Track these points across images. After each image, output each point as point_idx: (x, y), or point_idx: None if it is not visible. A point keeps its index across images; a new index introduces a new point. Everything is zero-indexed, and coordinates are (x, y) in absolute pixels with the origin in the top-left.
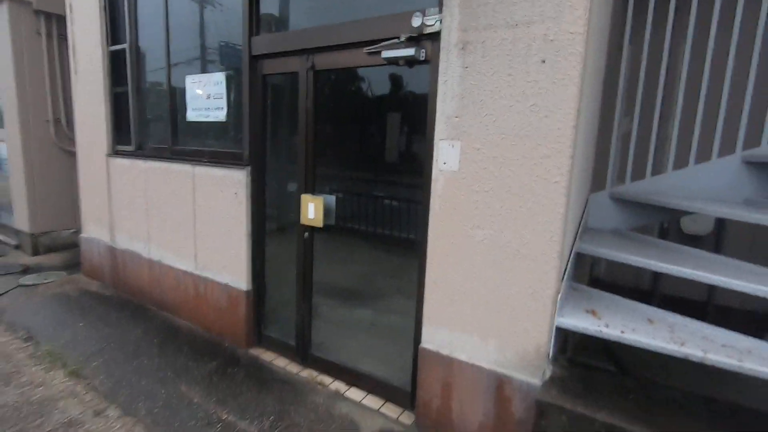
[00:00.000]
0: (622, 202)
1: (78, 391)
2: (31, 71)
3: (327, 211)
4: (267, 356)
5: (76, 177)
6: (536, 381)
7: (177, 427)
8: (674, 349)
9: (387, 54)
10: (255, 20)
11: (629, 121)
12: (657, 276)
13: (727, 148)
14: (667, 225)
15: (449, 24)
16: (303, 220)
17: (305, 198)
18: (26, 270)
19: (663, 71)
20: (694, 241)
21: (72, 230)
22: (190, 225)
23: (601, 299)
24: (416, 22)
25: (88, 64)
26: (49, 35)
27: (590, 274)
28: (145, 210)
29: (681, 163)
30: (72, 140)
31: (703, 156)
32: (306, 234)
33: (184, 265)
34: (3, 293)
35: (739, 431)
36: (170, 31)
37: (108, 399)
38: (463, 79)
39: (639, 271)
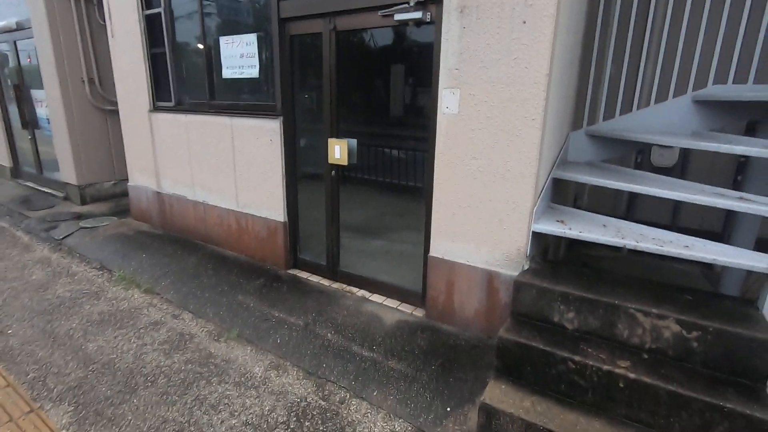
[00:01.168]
0: (595, 138)
1: (155, 303)
2: (64, 33)
3: (350, 152)
4: (303, 274)
5: (111, 133)
6: (517, 274)
7: (241, 323)
8: (616, 241)
9: (399, 16)
10: None
11: (602, 68)
12: (630, 203)
13: (681, 90)
14: (640, 159)
15: None
16: (330, 160)
17: (332, 141)
18: (79, 216)
19: (631, 25)
20: (663, 172)
21: (112, 182)
22: (230, 169)
23: (571, 213)
24: None
25: (124, 27)
26: (77, 0)
27: (574, 203)
28: (188, 158)
29: (644, 103)
30: (105, 99)
31: (662, 97)
32: (333, 172)
33: (226, 203)
34: (69, 234)
35: (654, 294)
36: None
37: (181, 307)
38: (461, 37)
39: (615, 200)
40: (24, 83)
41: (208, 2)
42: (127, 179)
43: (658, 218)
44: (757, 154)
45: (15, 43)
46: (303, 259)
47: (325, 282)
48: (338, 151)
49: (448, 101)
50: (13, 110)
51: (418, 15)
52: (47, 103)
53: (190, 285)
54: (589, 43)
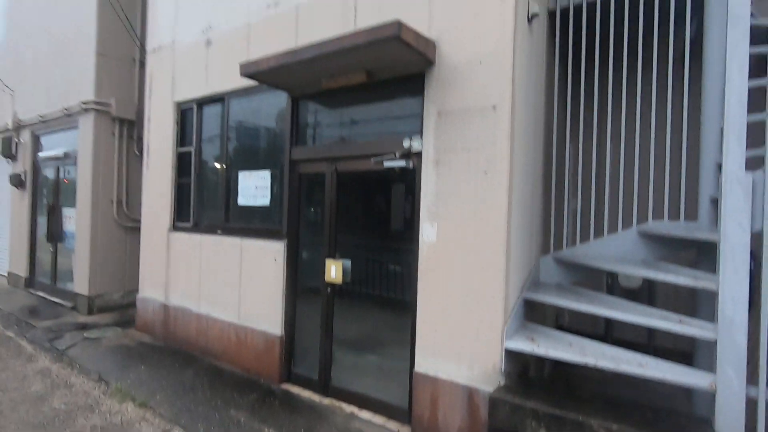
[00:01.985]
0: (562, 262)
1: (148, 417)
2: (104, 163)
3: (345, 271)
4: (296, 389)
5: (128, 248)
6: (493, 390)
7: None
8: (578, 359)
9: (387, 164)
10: (295, 135)
11: (561, 203)
12: (608, 323)
13: (628, 223)
14: (610, 281)
15: (427, 147)
16: (327, 279)
17: (329, 262)
18: (84, 327)
19: (580, 166)
20: (631, 294)
21: (120, 293)
22: (236, 284)
23: (543, 333)
24: (406, 144)
25: (158, 160)
26: (120, 135)
27: (556, 323)
28: (198, 273)
29: (599, 233)
30: (128, 217)
31: (613, 228)
32: (329, 289)
33: (228, 317)
34: (72, 345)
35: (617, 411)
36: (228, 139)
37: (173, 422)
38: (437, 183)
39: (594, 319)
40: (58, 201)
41: (232, 144)
42: (134, 291)
43: (636, 338)
44: (683, 282)
45: (58, 168)
46: (296, 373)
47: (317, 397)
48: (334, 271)
49: (427, 232)
50: (41, 225)
51: (402, 164)
52: (76, 219)
53: (185, 399)
54: (548, 182)
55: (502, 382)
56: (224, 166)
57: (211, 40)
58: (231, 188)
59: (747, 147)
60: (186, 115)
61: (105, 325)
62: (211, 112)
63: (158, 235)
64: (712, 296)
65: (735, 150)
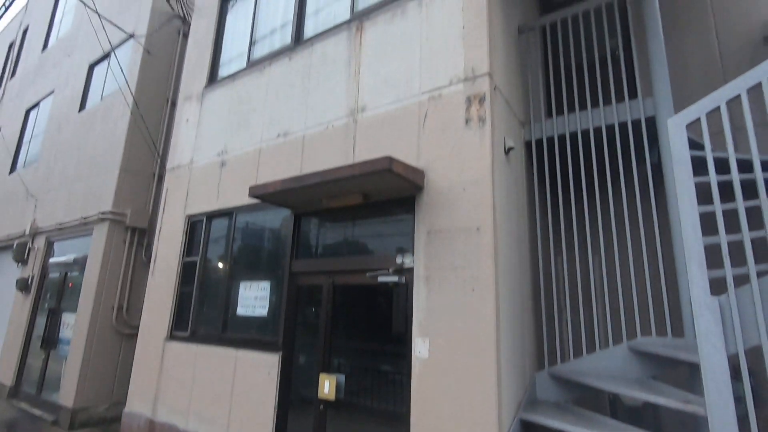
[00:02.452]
0: (558, 379)
1: None
2: (111, 270)
3: (338, 387)
4: None
5: (122, 357)
6: None
7: None
8: None
9: (381, 279)
10: (296, 249)
11: (551, 319)
12: None
13: (618, 339)
14: (612, 397)
15: (418, 263)
16: (320, 395)
17: (323, 376)
18: None
19: (566, 282)
20: (635, 413)
21: (106, 406)
22: (227, 399)
23: None
24: (399, 260)
25: (164, 269)
26: (131, 243)
27: None
28: (191, 386)
29: (591, 348)
30: (127, 324)
31: (604, 344)
32: (321, 406)
33: None
34: None
35: None
36: (233, 251)
37: None
38: (428, 299)
39: None
40: (59, 307)
41: (237, 255)
42: (121, 402)
43: None
44: (674, 406)
45: (66, 273)
46: None
47: None
48: (327, 386)
49: (419, 347)
50: (38, 330)
51: (395, 279)
52: (75, 324)
53: None
54: (538, 298)
55: None
56: (227, 276)
57: (225, 161)
58: (231, 298)
59: (711, 268)
60: (195, 227)
61: None
62: (219, 225)
63: (154, 344)
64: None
65: (698, 276)
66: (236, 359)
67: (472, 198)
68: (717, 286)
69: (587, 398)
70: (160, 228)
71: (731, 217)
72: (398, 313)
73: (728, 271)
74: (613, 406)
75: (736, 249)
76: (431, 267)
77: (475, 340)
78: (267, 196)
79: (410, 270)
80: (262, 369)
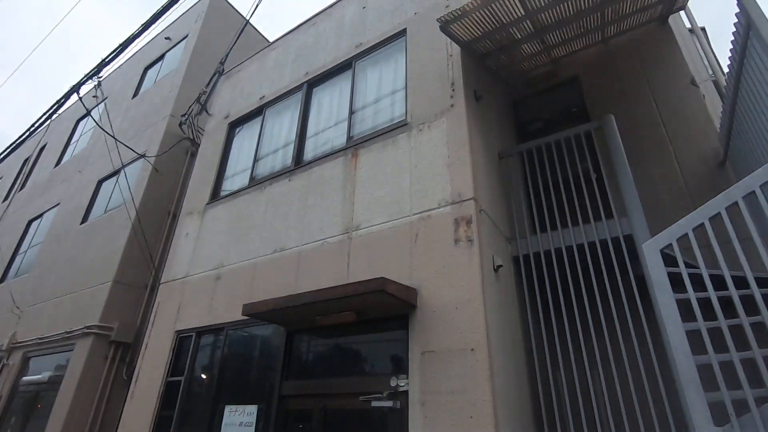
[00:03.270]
0: None
1: None
2: (87, 389)
3: None
4: None
5: None
6: None
7: None
8: None
9: (375, 404)
10: (287, 369)
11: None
12: None
13: None
14: None
15: (413, 387)
16: None
17: None
18: None
19: (567, 399)
20: None
21: None
22: None
23: None
24: (393, 383)
25: (146, 390)
26: (113, 359)
27: None
28: None
29: None
30: None
31: None
32: None
33: None
34: None
35: None
36: (221, 370)
37: None
38: (424, 425)
39: None
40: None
41: (224, 374)
42: None
43: None
44: None
45: (36, 394)
46: None
47: None
48: None
49: None
50: None
51: (389, 404)
52: None
53: None
54: (539, 420)
55: None
56: (212, 398)
57: (220, 275)
58: (214, 424)
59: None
60: (183, 344)
61: None
62: (209, 341)
63: None
64: None
65: (697, 404)
66: None
67: (464, 317)
68: (718, 409)
69: None
70: (147, 343)
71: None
72: None
73: (727, 399)
74: None
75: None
76: (427, 391)
77: None
78: (260, 314)
79: (405, 393)
80: None
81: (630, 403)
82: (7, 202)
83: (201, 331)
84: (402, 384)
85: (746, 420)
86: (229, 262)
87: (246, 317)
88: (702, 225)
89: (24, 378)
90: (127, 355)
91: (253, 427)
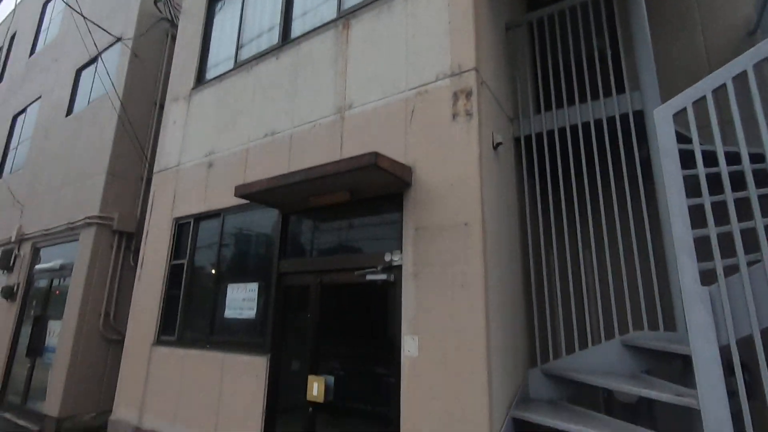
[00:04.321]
0: (551, 376)
1: None
2: (98, 275)
3: (327, 389)
4: None
5: (109, 363)
6: None
7: None
8: None
9: (370, 277)
10: (284, 249)
11: (543, 315)
12: None
13: (610, 334)
14: (606, 394)
15: (407, 260)
16: (308, 397)
17: (311, 378)
18: None
19: (557, 277)
20: (630, 409)
21: (93, 414)
22: (214, 404)
23: None
24: (387, 257)
25: (151, 273)
26: (118, 247)
27: None
28: (178, 391)
29: (583, 345)
30: (115, 330)
31: (597, 339)
32: (310, 409)
33: None
34: None
35: None
36: (221, 252)
37: None
38: (417, 296)
39: None
40: (46, 313)
41: (225, 257)
42: (108, 411)
43: None
44: (667, 399)
45: (51, 280)
46: None
47: None
48: (316, 388)
49: (409, 345)
50: (23, 338)
51: (383, 277)
52: (61, 331)
53: None
54: (529, 294)
55: None
56: (215, 278)
57: (212, 162)
58: (219, 300)
59: (701, 261)
60: (183, 230)
61: None
62: (207, 226)
63: (141, 349)
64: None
65: (688, 266)
66: (223, 362)
67: (460, 193)
68: (707, 278)
69: (582, 395)
70: (147, 231)
71: (720, 209)
72: (387, 312)
73: (718, 262)
74: (608, 403)
75: (725, 241)
76: (420, 263)
77: (465, 338)
78: (253, 195)
79: (398, 267)
80: (249, 372)
81: (620, 283)
82: None
83: (198, 218)
84: (396, 259)
85: (733, 280)
86: (219, 149)
87: (242, 202)
88: (723, 86)
89: (37, 266)
90: (131, 243)
91: (255, 302)
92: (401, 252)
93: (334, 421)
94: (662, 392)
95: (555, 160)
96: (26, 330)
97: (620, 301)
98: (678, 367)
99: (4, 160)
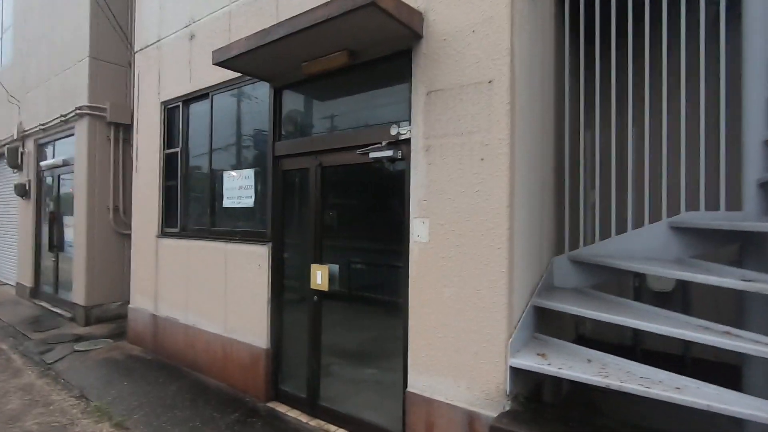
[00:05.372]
0: (579, 263)
1: None
2: (99, 169)
3: (332, 277)
4: (282, 408)
5: (126, 256)
6: (495, 416)
7: None
8: (598, 380)
9: (374, 155)
10: (278, 129)
11: (576, 195)
12: (636, 332)
13: (656, 216)
14: (638, 283)
15: (416, 133)
16: (312, 285)
17: (314, 267)
18: (79, 339)
19: (597, 151)
20: (662, 297)
21: (118, 303)
22: (221, 293)
23: (556, 346)
24: (394, 131)
25: (147, 163)
26: (116, 140)
27: (576, 332)
28: (185, 281)
29: (621, 228)
30: (126, 224)
31: (639, 222)
32: (315, 297)
33: (214, 328)
34: (61, 358)
35: None
36: (213, 138)
37: None
38: (428, 173)
39: (621, 328)
40: (59, 210)
41: (218, 143)
42: None
43: (668, 348)
44: (732, 285)
45: (59, 177)
46: (284, 391)
47: (304, 418)
48: (320, 277)
49: (418, 230)
50: (45, 234)
51: (389, 153)
52: (74, 227)
53: (164, 418)
54: (561, 172)
55: (508, 407)
56: (209, 166)
57: (194, 33)
58: (216, 190)
59: None
60: (173, 115)
61: (99, 336)
62: (196, 110)
63: (147, 242)
64: (766, 301)
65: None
66: (226, 253)
67: (484, 41)
68: None
69: (610, 285)
70: (138, 119)
71: None
72: (395, 194)
73: None
74: (638, 292)
75: None
76: (432, 135)
77: (483, 220)
78: (234, 62)
79: (407, 142)
80: (252, 261)
81: (675, 162)
82: None
83: (186, 100)
84: (403, 131)
85: None
86: (200, 15)
87: (229, 77)
88: None
89: (41, 163)
90: (129, 136)
91: (252, 189)
92: (410, 123)
93: (340, 309)
94: (723, 277)
95: (608, 6)
96: (45, 226)
97: (674, 175)
98: (733, 252)
99: None
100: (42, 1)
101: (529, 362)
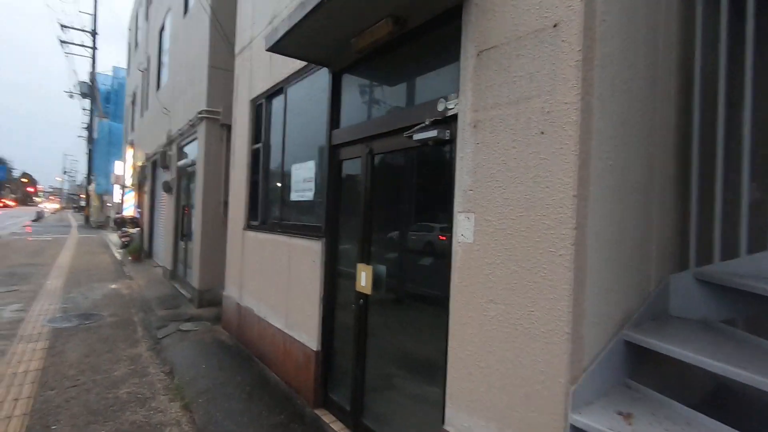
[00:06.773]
0: (711, 285)
1: (182, 422)
2: (213, 167)
3: (376, 280)
4: (327, 418)
5: None
6: None
7: None
8: None
9: (417, 136)
10: (336, 117)
11: (711, 184)
12: None
13: None
14: None
15: (464, 106)
16: (357, 287)
17: (360, 267)
18: (189, 319)
19: (748, 130)
20: None
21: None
22: (285, 287)
23: (652, 403)
24: (441, 106)
25: (239, 159)
26: (226, 140)
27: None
28: (260, 274)
29: None
30: None
31: None
32: (360, 301)
33: (278, 322)
34: (168, 335)
35: None
36: (286, 131)
37: None
38: (476, 154)
39: None
40: (189, 203)
41: (290, 135)
42: None
43: None
44: None
45: (189, 174)
46: (332, 399)
47: None
48: (364, 278)
49: (463, 227)
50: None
51: (434, 133)
52: (194, 219)
53: (221, 407)
54: (686, 156)
55: None
56: (282, 159)
57: (277, 29)
58: (286, 183)
59: None
60: (259, 111)
61: (203, 319)
62: (275, 105)
63: (236, 233)
64: None
65: None
66: (289, 247)
67: None
68: None
69: (762, 319)
70: (235, 119)
71: None
72: (442, 182)
73: None
74: None
75: None
76: (481, 107)
77: (541, 215)
78: (284, 44)
79: (455, 118)
80: (308, 257)
81: None
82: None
83: (268, 95)
84: (451, 106)
85: None
86: (279, 10)
87: (297, 67)
88: None
89: (179, 162)
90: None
91: (313, 182)
92: (458, 95)
93: (388, 316)
94: None
95: None
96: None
97: None
98: None
99: (160, 74)
100: (185, 21)
101: (601, 425)
